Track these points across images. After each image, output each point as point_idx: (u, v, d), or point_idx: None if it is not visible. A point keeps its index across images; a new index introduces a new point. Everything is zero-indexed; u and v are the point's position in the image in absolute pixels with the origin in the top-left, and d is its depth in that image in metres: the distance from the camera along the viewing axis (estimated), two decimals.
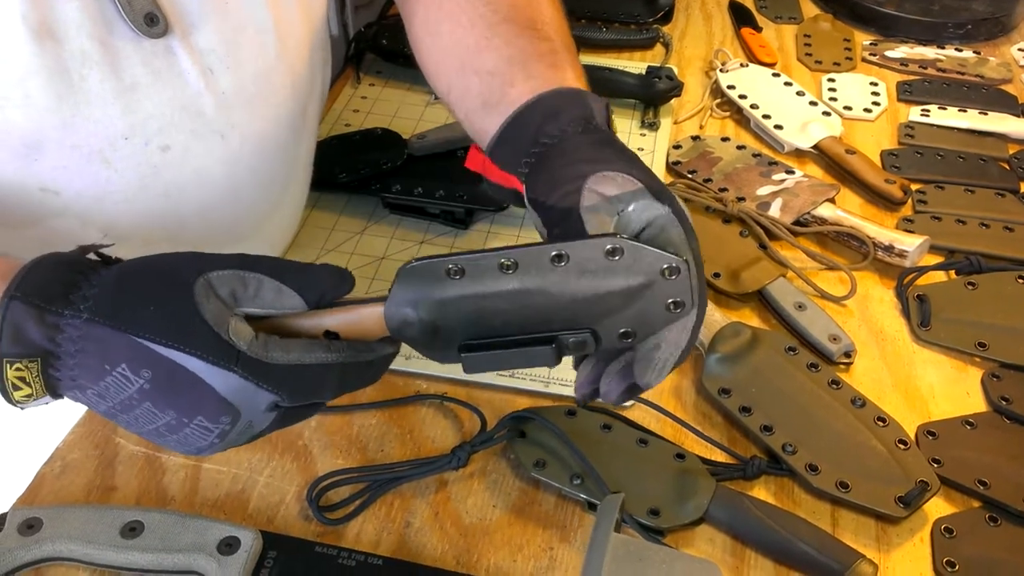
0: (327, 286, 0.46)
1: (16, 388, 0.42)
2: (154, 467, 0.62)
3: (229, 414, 0.43)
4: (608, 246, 0.44)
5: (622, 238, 0.44)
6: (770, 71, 1.03)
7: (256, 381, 0.43)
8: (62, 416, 0.63)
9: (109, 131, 0.55)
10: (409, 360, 0.69)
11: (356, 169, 0.84)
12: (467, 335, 0.46)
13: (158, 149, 0.57)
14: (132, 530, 0.54)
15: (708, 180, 0.88)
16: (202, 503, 0.60)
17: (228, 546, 0.54)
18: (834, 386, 0.67)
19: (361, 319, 0.47)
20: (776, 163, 0.90)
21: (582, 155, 0.50)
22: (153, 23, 0.54)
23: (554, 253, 0.44)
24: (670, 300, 0.45)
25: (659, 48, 1.11)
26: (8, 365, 0.41)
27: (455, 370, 0.68)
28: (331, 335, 0.46)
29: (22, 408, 0.43)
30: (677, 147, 0.93)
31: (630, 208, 0.47)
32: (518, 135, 0.54)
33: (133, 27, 0.53)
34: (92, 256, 0.45)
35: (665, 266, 0.44)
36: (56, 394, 0.43)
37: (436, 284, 0.45)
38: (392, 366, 0.67)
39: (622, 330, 0.46)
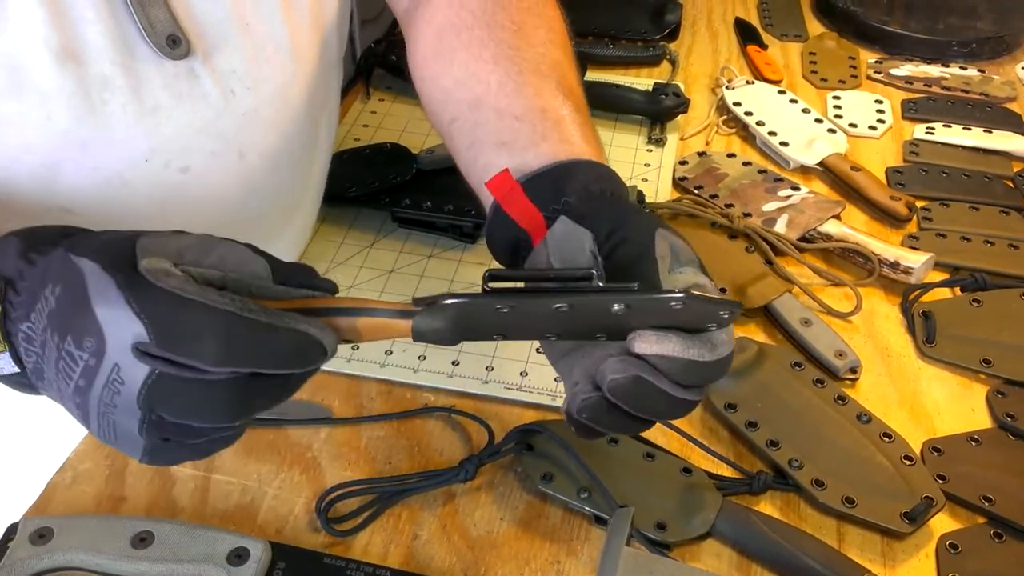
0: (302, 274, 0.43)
1: None
2: (164, 478, 0.63)
3: (94, 336, 0.38)
4: (676, 305, 0.43)
5: (691, 295, 0.43)
6: (776, 88, 1.04)
7: (128, 294, 0.37)
8: (73, 426, 0.64)
9: (129, 154, 0.54)
10: (417, 373, 0.70)
11: (366, 183, 0.85)
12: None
13: (178, 171, 0.57)
14: (142, 540, 0.55)
15: (714, 196, 0.88)
16: (212, 514, 0.61)
17: (238, 557, 0.55)
18: (840, 402, 0.67)
19: (386, 327, 0.44)
20: (782, 179, 0.90)
21: (644, 214, 0.51)
22: (175, 45, 0.53)
23: (616, 308, 0.43)
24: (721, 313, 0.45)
25: (666, 65, 1.12)
26: None
27: (463, 383, 0.69)
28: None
29: None
30: (683, 163, 0.93)
31: (685, 270, 0.48)
32: (561, 177, 0.52)
33: (155, 49, 0.53)
34: None
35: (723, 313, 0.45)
36: (10, 342, 0.41)
37: (477, 317, 0.44)
38: (399, 379, 0.70)
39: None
